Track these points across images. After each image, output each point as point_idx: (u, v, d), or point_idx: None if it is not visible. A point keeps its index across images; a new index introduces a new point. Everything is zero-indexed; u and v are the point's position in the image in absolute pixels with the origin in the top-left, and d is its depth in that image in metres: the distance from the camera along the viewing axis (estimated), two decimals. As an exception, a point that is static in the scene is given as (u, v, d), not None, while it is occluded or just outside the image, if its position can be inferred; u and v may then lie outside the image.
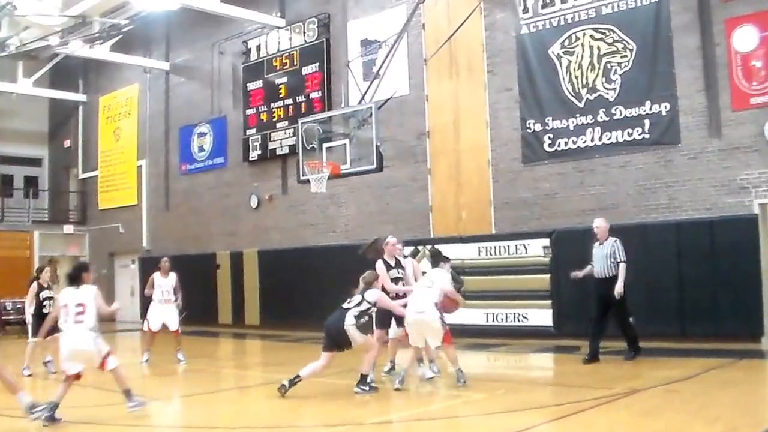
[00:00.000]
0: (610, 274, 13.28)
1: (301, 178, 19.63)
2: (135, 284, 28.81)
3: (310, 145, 19.50)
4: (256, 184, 25.75)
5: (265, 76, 25.22)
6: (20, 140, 34.87)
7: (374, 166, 18.24)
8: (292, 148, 23.19)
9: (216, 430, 9.15)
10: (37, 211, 33.85)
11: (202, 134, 28.00)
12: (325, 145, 19.04)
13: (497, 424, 8.96)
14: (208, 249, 26.68)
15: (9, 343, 24.03)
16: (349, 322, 11.05)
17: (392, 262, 12.48)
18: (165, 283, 16.48)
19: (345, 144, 18.81)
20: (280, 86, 24.73)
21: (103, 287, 31.46)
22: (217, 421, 9.79)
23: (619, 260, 13.31)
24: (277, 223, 24.87)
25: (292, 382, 10.91)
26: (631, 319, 13.70)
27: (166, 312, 16.38)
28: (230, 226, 26.55)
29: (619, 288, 13.07)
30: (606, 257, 13.40)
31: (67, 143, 35.05)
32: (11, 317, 27.00)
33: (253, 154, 25.49)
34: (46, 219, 33.98)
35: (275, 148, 24.72)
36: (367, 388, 11.03)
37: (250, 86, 25.74)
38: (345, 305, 11.30)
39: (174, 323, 16.27)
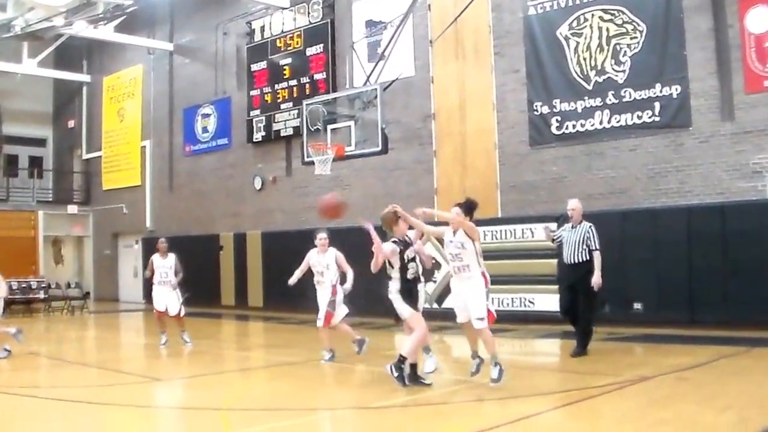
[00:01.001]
0: (581, 260, 12.43)
1: (306, 159, 19.44)
2: (138, 265, 28.78)
3: (315, 127, 19.30)
4: (260, 166, 25.58)
5: (270, 57, 25.00)
6: (25, 120, 34.76)
7: (379, 148, 18.05)
8: (297, 130, 23.03)
9: (219, 412, 9.00)
10: (42, 191, 33.85)
11: (206, 115, 27.81)
12: (329, 127, 18.84)
13: (503, 410, 8.80)
14: (212, 230, 26.57)
15: (14, 322, 24.01)
16: (393, 288, 10.15)
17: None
18: (163, 264, 16.21)
19: (350, 126, 18.61)
20: (284, 67, 24.50)
21: (107, 267, 31.73)
22: (220, 402, 9.65)
23: (593, 248, 12.39)
24: (281, 205, 24.71)
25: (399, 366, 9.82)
26: (606, 308, 13.28)
27: (165, 294, 16.17)
28: (234, 208, 26.40)
29: (596, 279, 12.19)
30: (578, 243, 12.50)
31: (71, 124, 34.97)
32: (17, 296, 26.97)
33: (257, 136, 25.30)
34: (51, 199, 34.02)
35: (279, 130, 24.54)
36: (397, 373, 9.62)
37: (255, 67, 25.52)
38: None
39: (173, 308, 16.09)
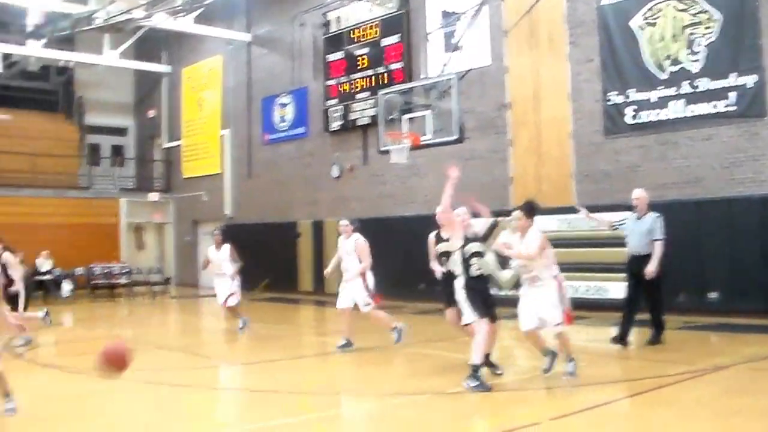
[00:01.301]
0: (646, 252, 12.30)
1: (382, 148, 19.82)
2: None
3: (391, 116, 19.63)
4: (337, 154, 25.99)
5: (346, 48, 25.36)
6: (107, 110, 35.90)
7: (455, 137, 18.32)
8: (373, 119, 23.35)
9: (297, 395, 9.37)
10: (124, 179, 34.88)
11: (283, 105, 28.31)
12: (405, 116, 19.18)
13: (577, 397, 9.04)
14: (290, 217, 27.07)
15: (98, 306, 24.88)
16: (457, 285, 10.00)
17: (444, 236, 11.40)
18: (218, 256, 16.55)
19: (425, 115, 18.92)
20: (360, 58, 24.85)
21: (187, 254, 32.47)
22: (297, 386, 10.04)
23: (656, 238, 12.28)
24: (358, 193, 25.09)
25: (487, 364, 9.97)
26: (681, 297, 13.22)
27: (221, 286, 16.58)
28: (311, 195, 26.87)
29: (651, 268, 12.07)
30: (644, 233, 12.42)
31: (151, 113, 35.84)
32: (100, 281, 27.91)
33: (334, 125, 25.72)
34: (133, 187, 34.94)
35: (356, 119, 24.92)
36: (476, 383, 9.25)
37: (331, 57, 25.91)
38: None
39: (221, 297, 16.46)
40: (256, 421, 8.54)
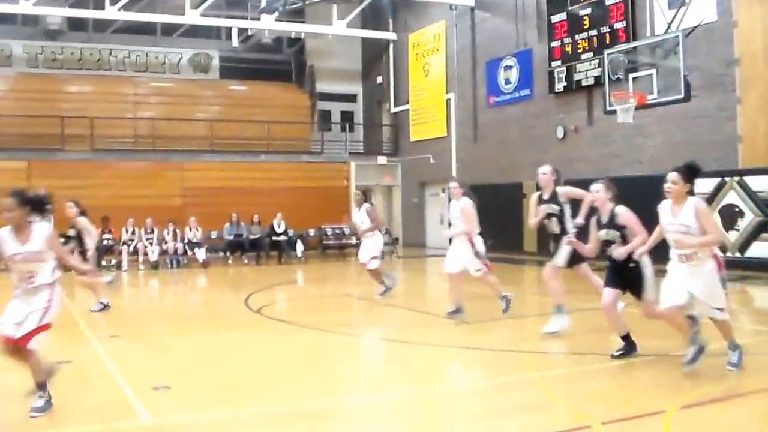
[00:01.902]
0: None
1: (608, 109, 19.79)
2: (444, 212, 30.05)
3: (616, 76, 19.56)
4: (561, 116, 26.03)
5: (569, 8, 25.26)
6: (337, 78, 37.40)
7: (681, 95, 18.08)
8: (597, 80, 23.30)
9: (519, 354, 9.72)
10: (353, 143, 36.17)
11: (508, 67, 28.56)
12: (630, 76, 19.09)
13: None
14: (515, 179, 27.33)
15: (329, 266, 26.19)
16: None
17: (546, 196, 11.28)
18: (357, 216, 16.23)
19: (651, 74, 18.76)
20: (583, 18, 24.70)
21: (414, 215, 33.49)
22: (519, 344, 10.42)
23: None
24: (583, 154, 25.04)
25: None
26: None
27: (363, 246, 16.12)
28: (536, 157, 26.88)
29: None
30: None
31: (379, 79, 36.98)
32: (330, 242, 29.33)
33: (559, 86, 25.76)
34: (361, 151, 36.22)
35: (580, 80, 24.85)
36: (625, 349, 9.08)
37: (554, 18, 25.90)
38: None
39: (363, 257, 16.07)
40: (488, 378, 8.98)
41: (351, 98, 38.95)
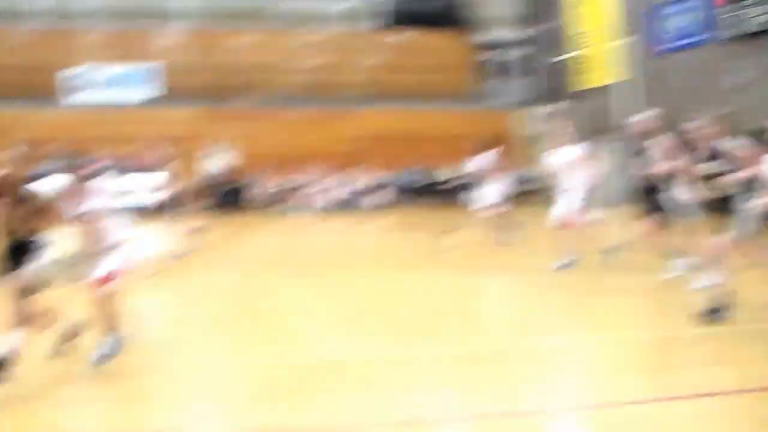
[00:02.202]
0: None
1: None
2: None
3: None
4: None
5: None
6: (497, 25, 37.27)
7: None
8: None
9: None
10: (516, 92, 36.06)
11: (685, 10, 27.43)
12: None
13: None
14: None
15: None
16: None
17: None
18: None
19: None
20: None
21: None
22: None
23: None
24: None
25: None
26: None
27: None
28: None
29: None
30: None
31: (545, 26, 36.13)
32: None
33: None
34: (527, 99, 35.84)
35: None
36: (715, 314, 8.29)
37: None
38: None
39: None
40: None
41: (520, 44, 38.19)
